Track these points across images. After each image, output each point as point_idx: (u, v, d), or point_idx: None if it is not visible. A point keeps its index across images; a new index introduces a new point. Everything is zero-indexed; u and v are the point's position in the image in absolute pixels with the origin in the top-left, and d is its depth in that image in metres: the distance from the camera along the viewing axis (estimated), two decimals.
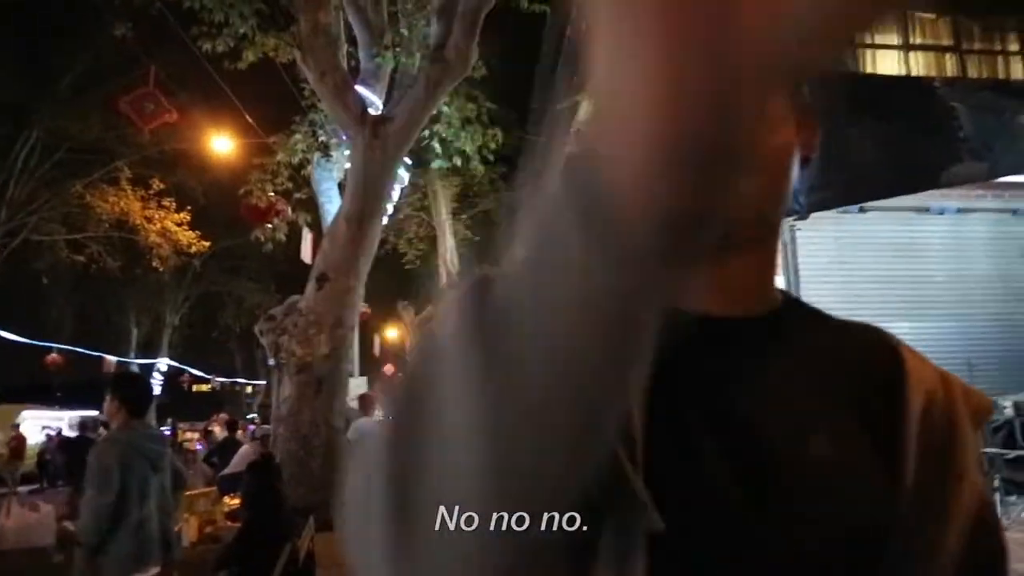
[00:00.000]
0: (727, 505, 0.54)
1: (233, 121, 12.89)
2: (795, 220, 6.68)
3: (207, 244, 19.98)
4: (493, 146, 9.50)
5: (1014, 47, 7.05)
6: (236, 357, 36.28)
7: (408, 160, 9.19)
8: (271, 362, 6.48)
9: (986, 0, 7.07)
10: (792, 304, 0.67)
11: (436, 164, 9.66)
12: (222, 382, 32.95)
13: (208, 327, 29.71)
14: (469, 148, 9.22)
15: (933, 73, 6.79)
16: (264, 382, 36.11)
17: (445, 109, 8.88)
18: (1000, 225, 7.67)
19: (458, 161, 9.53)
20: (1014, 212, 7.72)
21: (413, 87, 6.84)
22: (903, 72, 6.79)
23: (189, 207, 19.31)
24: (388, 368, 23.37)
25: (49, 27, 17.37)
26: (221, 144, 13.16)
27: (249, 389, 36.22)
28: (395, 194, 9.52)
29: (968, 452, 0.59)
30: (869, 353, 0.64)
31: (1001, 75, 6.90)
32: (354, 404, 8.20)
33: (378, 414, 9.58)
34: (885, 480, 0.57)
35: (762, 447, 0.56)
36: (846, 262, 7.32)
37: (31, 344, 18.81)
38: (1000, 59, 6.96)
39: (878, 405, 0.59)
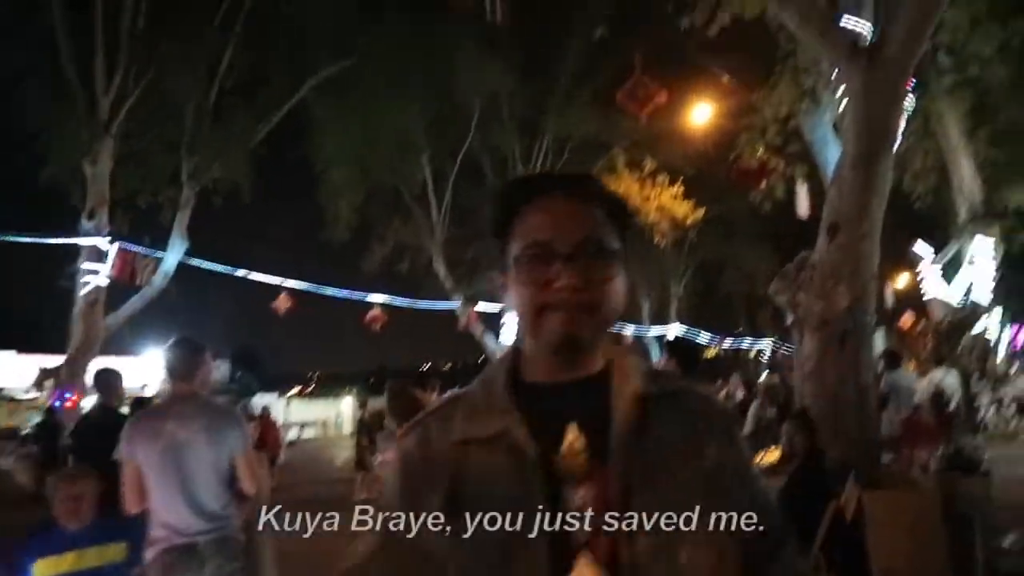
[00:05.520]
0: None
1: (711, 88, 13.09)
2: None
3: (701, 213, 20.70)
4: (1017, 41, 7.81)
5: None
6: (740, 320, 36.97)
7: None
8: (788, 320, 6.38)
9: None
10: (609, 364, 1.24)
11: (946, 80, 8.34)
12: (726, 349, 33.89)
13: (708, 294, 30.78)
14: (987, 51, 7.69)
15: None
16: (768, 343, 36.17)
17: (945, 15, 7.62)
18: None
19: (974, 70, 8.05)
20: None
21: None
22: None
23: (681, 179, 20.23)
24: (905, 319, 21.23)
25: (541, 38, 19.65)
26: (703, 113, 13.47)
27: (752, 352, 36.61)
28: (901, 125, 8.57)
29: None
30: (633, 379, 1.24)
31: None
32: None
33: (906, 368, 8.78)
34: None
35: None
36: None
37: None
38: None
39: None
